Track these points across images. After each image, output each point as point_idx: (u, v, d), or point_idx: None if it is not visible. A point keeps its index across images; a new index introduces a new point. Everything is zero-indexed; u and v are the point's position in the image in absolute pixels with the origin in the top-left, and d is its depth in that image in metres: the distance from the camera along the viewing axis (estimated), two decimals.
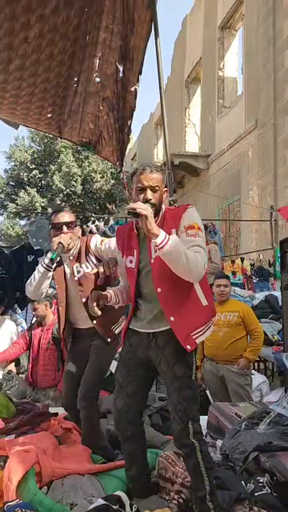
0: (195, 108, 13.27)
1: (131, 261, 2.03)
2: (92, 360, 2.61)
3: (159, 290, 1.94)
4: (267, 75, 8.63)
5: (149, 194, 1.93)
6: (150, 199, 1.91)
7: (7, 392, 3.70)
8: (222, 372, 3.68)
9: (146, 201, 1.90)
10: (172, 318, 1.91)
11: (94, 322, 2.59)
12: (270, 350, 4.51)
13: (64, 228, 2.54)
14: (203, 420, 3.08)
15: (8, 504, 1.93)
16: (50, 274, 2.56)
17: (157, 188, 1.94)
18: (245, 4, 9.81)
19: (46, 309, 4.19)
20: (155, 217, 1.94)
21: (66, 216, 2.59)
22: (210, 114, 11.52)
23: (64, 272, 2.66)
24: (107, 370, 2.72)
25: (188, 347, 1.88)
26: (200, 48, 12.21)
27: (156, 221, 1.93)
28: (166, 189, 2.03)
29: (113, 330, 2.63)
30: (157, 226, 1.81)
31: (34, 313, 4.26)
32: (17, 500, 1.96)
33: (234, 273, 6.96)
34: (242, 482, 2.14)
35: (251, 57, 9.42)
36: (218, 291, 3.85)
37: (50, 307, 4.30)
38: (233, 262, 7.32)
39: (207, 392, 3.88)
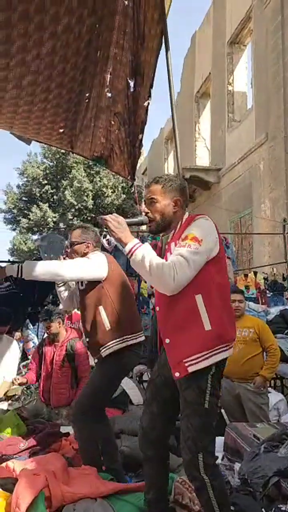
0: (205, 122, 13.32)
1: None
2: (87, 382, 2.60)
3: (157, 308, 1.87)
4: (277, 88, 8.63)
5: (145, 208, 1.94)
6: (147, 213, 1.93)
7: (25, 406, 3.65)
8: (238, 390, 3.57)
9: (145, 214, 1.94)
10: (167, 341, 1.80)
11: (87, 340, 2.63)
12: (286, 367, 4.38)
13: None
14: (219, 440, 2.98)
15: None
16: (59, 289, 2.73)
17: (153, 199, 1.92)
18: (253, 19, 9.89)
19: (59, 327, 4.12)
20: (166, 228, 1.93)
21: (70, 235, 2.75)
22: (220, 128, 11.54)
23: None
24: (104, 390, 2.57)
25: (177, 374, 1.74)
26: (209, 63, 12.31)
27: (174, 232, 1.91)
28: (177, 198, 1.93)
29: (101, 352, 2.53)
30: (129, 235, 1.79)
31: (47, 331, 4.19)
32: None
33: (247, 287, 6.83)
34: (263, 509, 2.02)
35: (260, 71, 9.44)
36: (232, 306, 3.76)
37: (63, 324, 4.24)
38: (246, 276, 7.20)
39: (222, 411, 3.76)
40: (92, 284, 2.55)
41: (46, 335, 4.32)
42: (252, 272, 7.49)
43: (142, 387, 5.14)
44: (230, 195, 10.80)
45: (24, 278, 2.29)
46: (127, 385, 4.28)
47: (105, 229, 2.14)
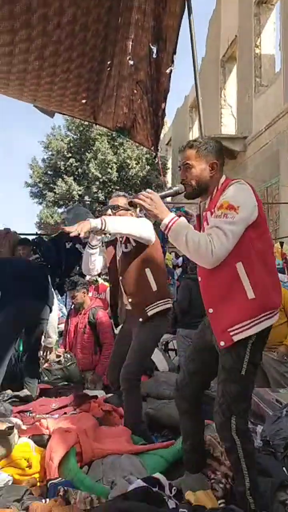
0: (231, 88, 12.87)
1: None
2: (132, 344, 2.67)
3: (199, 279, 1.88)
4: None
5: (181, 175, 1.90)
6: (182, 180, 1.90)
7: (67, 367, 3.95)
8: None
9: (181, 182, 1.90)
10: (210, 310, 1.81)
11: (130, 300, 2.70)
12: None
13: (108, 211, 2.75)
14: None
15: (52, 481, 2.00)
16: (92, 251, 2.76)
17: (188, 165, 1.88)
18: None
19: (84, 296, 4.30)
20: (203, 192, 1.89)
21: (113, 200, 2.83)
22: (247, 94, 11.15)
23: (115, 252, 2.84)
24: (148, 353, 2.74)
25: (222, 343, 1.75)
26: (236, 26, 11.78)
27: (211, 197, 1.87)
28: (213, 161, 1.87)
29: (146, 311, 2.62)
30: (164, 211, 1.77)
31: (72, 301, 4.37)
32: (60, 479, 2.02)
33: None
34: (284, 468, 2.10)
35: None
36: None
37: (87, 294, 4.42)
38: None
39: None
40: (139, 246, 2.64)
41: (72, 305, 4.51)
42: (278, 243, 7.39)
43: (168, 355, 5.27)
44: (256, 164, 10.53)
45: (110, 230, 2.40)
46: (154, 353, 4.41)
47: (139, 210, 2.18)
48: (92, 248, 2.76)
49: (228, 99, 13.00)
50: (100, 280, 6.29)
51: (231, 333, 1.73)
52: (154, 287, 2.63)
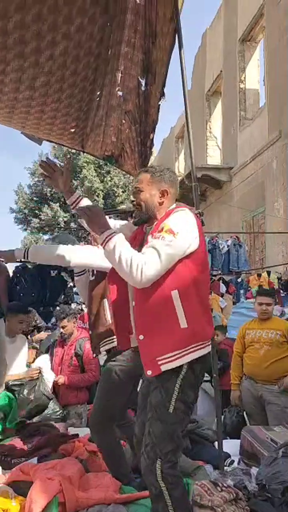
0: (217, 121, 13.22)
1: None
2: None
3: (133, 303, 1.83)
4: None
5: (132, 197, 1.97)
6: (132, 201, 1.95)
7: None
8: (261, 392, 3.49)
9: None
10: (141, 337, 1.74)
11: (90, 333, 2.57)
12: None
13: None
14: (236, 443, 2.94)
15: None
16: (77, 279, 2.81)
17: (139, 189, 1.91)
18: (265, 16, 9.77)
19: (74, 327, 4.15)
20: (151, 218, 1.90)
21: None
22: (232, 127, 11.44)
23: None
24: (113, 396, 2.37)
25: (149, 372, 1.68)
26: (221, 61, 12.21)
27: (157, 222, 1.87)
28: (164, 189, 1.89)
29: (100, 346, 2.47)
30: (104, 225, 1.79)
31: (62, 331, 4.17)
32: None
33: (260, 287, 6.75)
34: None
35: (272, 68, 9.33)
36: (260, 309, 3.66)
37: (75, 324, 4.27)
38: (259, 275, 7.12)
39: (244, 413, 3.69)
40: (102, 275, 2.47)
41: (60, 335, 4.33)
42: (265, 272, 7.41)
43: None
44: (242, 194, 10.70)
45: (30, 260, 2.33)
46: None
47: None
48: (76, 275, 2.76)
49: (214, 131, 13.33)
50: (85, 309, 6.15)
51: (159, 362, 1.67)
52: (108, 320, 2.41)
